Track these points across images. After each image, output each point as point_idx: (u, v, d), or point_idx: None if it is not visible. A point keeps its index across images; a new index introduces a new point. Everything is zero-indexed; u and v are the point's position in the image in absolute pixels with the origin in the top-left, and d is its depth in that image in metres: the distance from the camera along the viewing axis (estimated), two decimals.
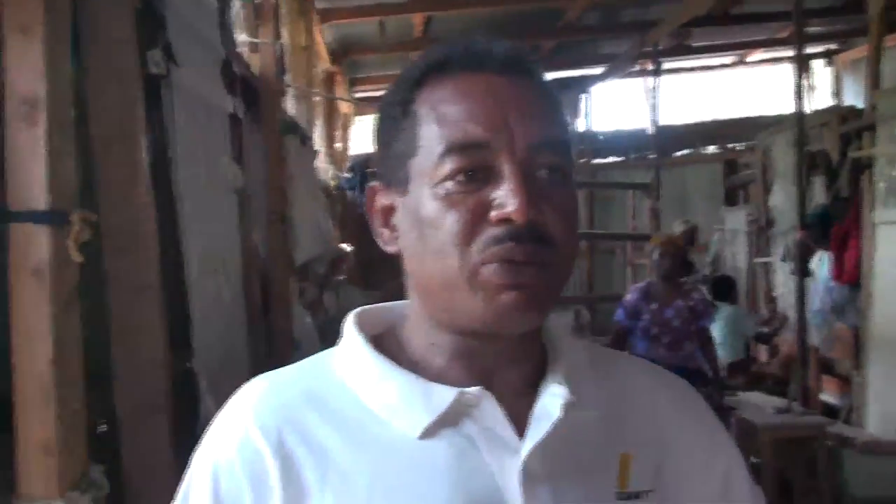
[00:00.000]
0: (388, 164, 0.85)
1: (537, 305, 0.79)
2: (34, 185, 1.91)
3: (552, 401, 0.82)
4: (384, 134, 0.86)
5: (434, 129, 0.80)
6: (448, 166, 0.79)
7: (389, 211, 0.86)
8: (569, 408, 0.81)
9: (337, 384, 0.84)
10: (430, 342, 0.85)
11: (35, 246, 1.92)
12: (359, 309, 0.92)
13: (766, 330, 7.59)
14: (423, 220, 0.80)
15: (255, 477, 0.80)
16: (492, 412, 0.80)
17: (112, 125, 2.34)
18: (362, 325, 0.89)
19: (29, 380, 1.92)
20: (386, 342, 0.88)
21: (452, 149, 0.79)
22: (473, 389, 0.80)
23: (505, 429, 0.80)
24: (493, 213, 0.77)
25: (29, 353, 1.92)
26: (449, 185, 0.79)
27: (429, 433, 0.80)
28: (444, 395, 0.80)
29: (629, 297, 5.12)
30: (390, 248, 0.87)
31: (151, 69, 2.50)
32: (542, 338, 0.90)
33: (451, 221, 0.78)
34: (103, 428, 2.39)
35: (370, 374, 0.84)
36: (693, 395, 0.96)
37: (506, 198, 0.77)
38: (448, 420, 0.80)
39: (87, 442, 2.09)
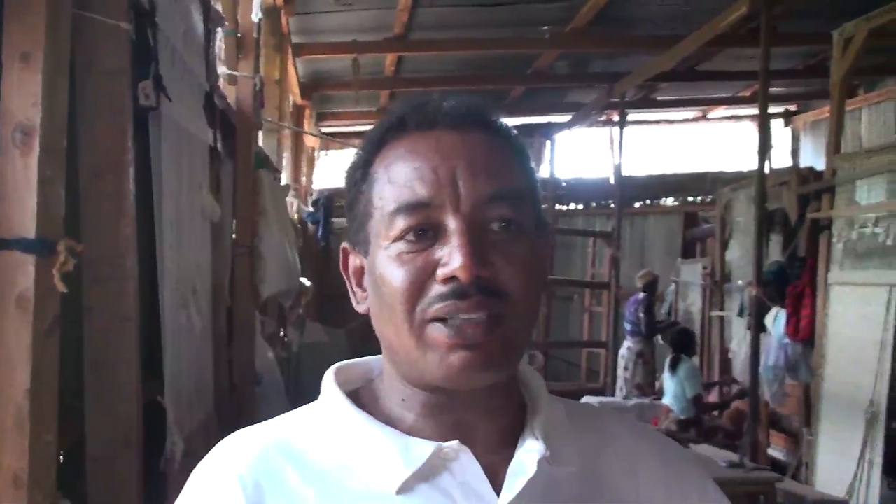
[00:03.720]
0: (353, 226, 0.86)
1: (491, 363, 0.78)
2: (24, 213, 1.89)
3: (528, 456, 0.81)
4: (350, 198, 0.87)
5: (386, 190, 0.81)
6: (398, 226, 0.79)
7: (361, 272, 0.87)
8: (545, 463, 0.81)
9: (316, 439, 0.84)
10: (401, 397, 0.85)
11: (21, 274, 1.89)
12: (337, 364, 0.92)
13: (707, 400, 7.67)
14: (379, 281, 0.81)
15: None
16: (469, 467, 0.80)
17: (101, 156, 2.33)
18: (340, 380, 0.89)
19: (4, 409, 1.89)
20: (363, 397, 0.88)
21: (401, 208, 0.79)
22: (451, 444, 0.80)
23: (482, 484, 0.80)
24: (439, 272, 0.78)
25: (6, 382, 1.89)
26: (400, 244, 0.79)
27: (406, 488, 0.79)
28: (422, 450, 0.80)
29: None
30: (361, 308, 0.88)
31: (142, 101, 2.49)
32: (522, 392, 0.89)
33: (399, 281, 0.79)
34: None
35: (348, 428, 0.84)
36: (678, 452, 0.96)
37: (450, 255, 0.77)
38: (425, 475, 0.80)
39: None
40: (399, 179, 0.81)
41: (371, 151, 0.85)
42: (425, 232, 0.79)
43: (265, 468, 0.82)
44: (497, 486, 0.80)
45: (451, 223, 0.78)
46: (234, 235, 4.63)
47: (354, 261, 0.88)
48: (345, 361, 0.94)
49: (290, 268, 4.85)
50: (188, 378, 3.23)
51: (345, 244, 0.90)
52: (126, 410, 2.39)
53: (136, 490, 2.38)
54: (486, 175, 0.80)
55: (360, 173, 0.85)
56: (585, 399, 7.98)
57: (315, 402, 0.90)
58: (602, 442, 0.90)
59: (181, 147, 3.06)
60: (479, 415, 0.84)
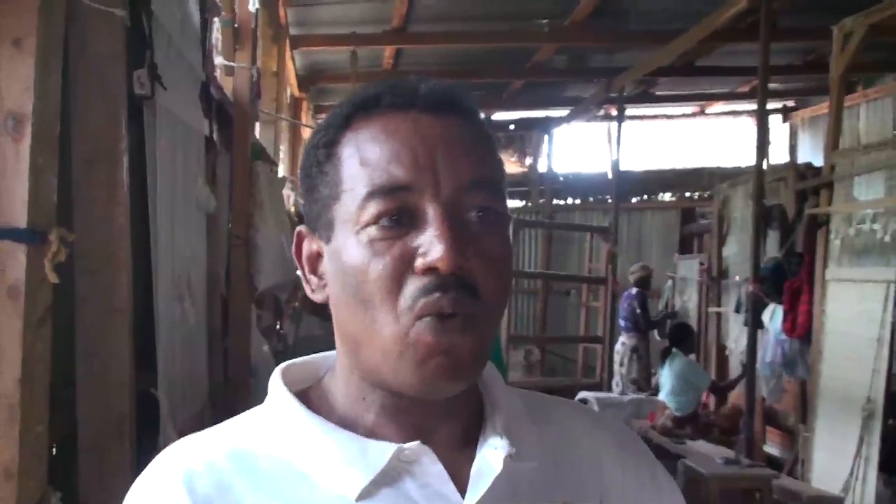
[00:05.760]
0: (313, 209, 0.81)
1: (466, 371, 0.74)
2: (15, 201, 1.88)
3: (492, 454, 0.78)
4: (309, 178, 0.81)
5: (357, 172, 0.76)
6: (371, 210, 0.74)
7: (317, 257, 0.82)
8: (509, 460, 0.78)
9: (266, 445, 0.79)
10: (360, 396, 0.80)
11: (12, 264, 1.88)
12: (284, 364, 0.87)
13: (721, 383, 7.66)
14: (348, 270, 0.75)
15: None
16: (431, 468, 0.77)
17: (95, 144, 2.30)
18: (288, 380, 0.84)
19: None
20: (313, 398, 0.83)
21: (375, 192, 0.74)
22: (412, 445, 0.76)
23: (446, 485, 0.77)
24: (419, 262, 0.73)
25: None
26: (372, 230, 0.74)
27: (367, 494, 0.75)
28: (382, 452, 0.76)
29: None
30: (318, 297, 0.82)
31: (136, 90, 2.47)
32: (478, 385, 0.85)
33: (375, 271, 0.73)
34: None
35: (301, 433, 0.79)
36: (632, 437, 0.94)
37: (430, 244, 0.73)
38: (387, 479, 0.76)
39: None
40: (373, 161, 0.75)
41: (338, 130, 0.79)
42: (400, 217, 0.74)
43: (213, 480, 0.76)
44: (461, 486, 0.77)
45: (431, 209, 0.74)
46: (229, 227, 4.60)
47: (310, 246, 0.82)
48: (291, 360, 0.89)
49: (286, 260, 4.82)
50: (182, 370, 3.21)
51: (301, 228, 0.84)
52: (118, 402, 2.37)
53: (128, 483, 2.36)
54: (466, 162, 0.76)
55: (324, 153, 0.79)
56: (581, 395, 7.99)
57: (262, 406, 0.84)
58: (561, 433, 0.88)
59: (176, 137, 3.04)
60: (440, 414, 0.80)
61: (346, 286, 0.76)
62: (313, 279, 0.83)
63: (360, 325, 0.76)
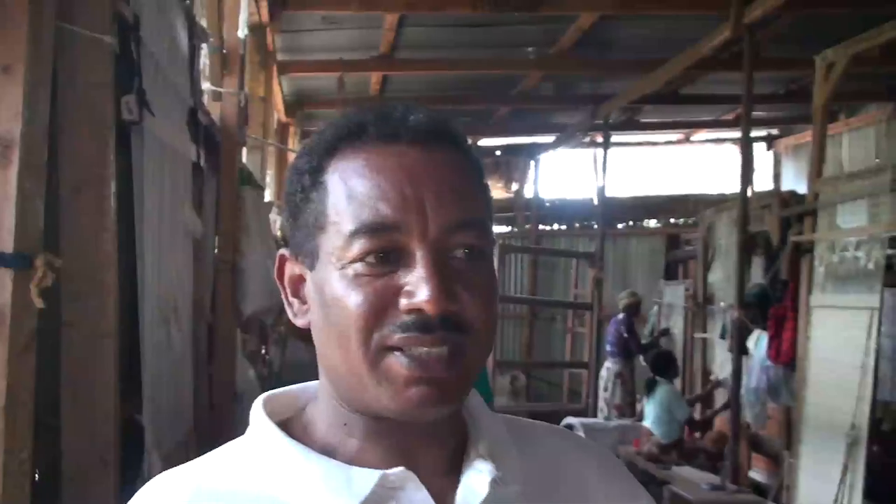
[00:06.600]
0: (297, 235, 0.80)
1: (448, 398, 0.75)
2: (2, 227, 1.87)
3: (477, 478, 0.78)
4: (293, 204, 0.80)
5: (344, 206, 0.75)
6: (357, 248, 0.74)
7: (299, 281, 0.82)
8: (495, 484, 0.77)
9: (249, 478, 0.78)
10: (342, 422, 0.80)
11: None
12: (265, 394, 0.86)
13: (697, 416, 7.65)
14: (328, 301, 0.75)
15: None
16: (416, 495, 0.76)
17: (83, 169, 2.30)
18: (269, 410, 0.83)
19: None
20: (295, 427, 0.83)
21: (362, 230, 0.74)
22: (396, 471, 0.76)
23: None
24: (404, 302, 0.73)
25: None
26: (358, 266, 0.74)
27: None
28: (366, 480, 0.75)
29: None
30: (301, 322, 0.82)
31: (124, 116, 2.47)
32: (462, 410, 0.85)
33: (356, 304, 0.73)
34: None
35: (284, 463, 0.78)
36: (616, 463, 0.94)
37: (416, 285, 0.72)
38: None
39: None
40: (360, 196, 0.75)
41: (322, 157, 0.79)
42: (386, 255, 0.74)
43: None
44: None
45: (418, 250, 0.73)
46: (216, 251, 4.59)
47: (293, 269, 0.82)
48: (272, 391, 0.88)
49: (272, 285, 4.80)
50: (167, 396, 3.19)
51: (283, 251, 0.84)
52: (103, 429, 2.35)
53: None
54: (454, 201, 0.75)
55: (310, 179, 0.78)
56: (567, 420, 7.98)
57: (243, 437, 0.84)
58: (546, 458, 0.88)
59: (164, 162, 3.04)
60: (424, 438, 0.80)
61: (328, 315, 0.76)
62: (296, 303, 0.83)
63: (338, 354, 0.76)
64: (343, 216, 0.75)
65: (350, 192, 0.75)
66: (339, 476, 0.76)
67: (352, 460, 0.78)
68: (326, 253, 0.76)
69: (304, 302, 0.82)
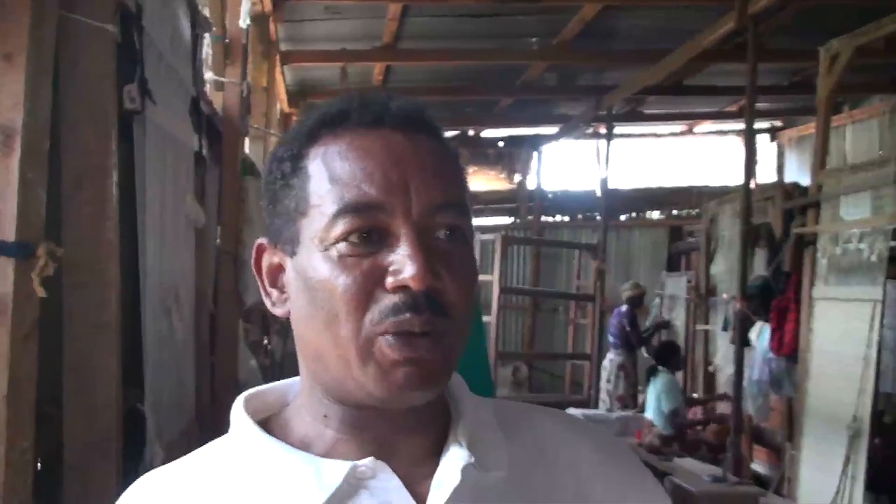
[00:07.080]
0: (276, 222, 0.80)
1: (433, 381, 0.75)
2: (4, 216, 1.87)
3: (452, 464, 0.78)
4: (272, 191, 0.81)
5: (327, 188, 0.76)
6: (341, 227, 0.74)
7: (278, 270, 0.82)
8: (471, 471, 0.77)
9: (228, 477, 0.79)
10: (322, 414, 0.80)
11: (0, 278, 1.87)
12: (247, 392, 0.87)
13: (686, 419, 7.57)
14: (314, 284, 0.75)
15: None
16: (389, 483, 0.77)
17: (85, 159, 2.30)
18: (251, 409, 0.84)
19: None
20: (274, 425, 0.83)
21: (346, 209, 0.74)
22: (366, 461, 0.77)
23: (404, 499, 0.76)
24: (390, 280, 0.73)
25: None
26: (342, 246, 0.74)
27: None
28: (336, 471, 0.76)
29: None
30: (279, 311, 0.82)
31: (126, 105, 2.47)
32: (447, 399, 0.85)
33: (343, 286, 0.74)
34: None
35: (261, 460, 0.79)
36: (615, 443, 0.93)
37: (402, 263, 0.73)
38: (342, 497, 0.75)
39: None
40: (344, 178, 0.75)
41: (303, 143, 0.79)
42: (370, 235, 0.74)
43: None
44: (422, 500, 0.77)
45: (402, 229, 0.74)
46: (218, 242, 4.59)
47: (271, 258, 0.82)
48: (255, 388, 0.88)
49: None
50: (169, 386, 3.19)
51: (262, 240, 0.83)
52: (105, 418, 2.36)
53: (113, 499, 2.34)
54: (437, 184, 0.77)
55: (290, 166, 0.79)
56: (569, 411, 8.00)
57: (225, 436, 0.84)
58: (535, 442, 0.86)
59: (166, 152, 3.04)
60: (403, 428, 0.80)
61: (313, 300, 0.76)
62: (274, 292, 0.83)
63: (324, 339, 0.76)
64: (326, 198, 0.76)
65: (333, 174, 0.76)
66: (310, 469, 0.77)
67: (328, 453, 0.79)
68: (308, 237, 0.77)
69: (282, 291, 0.82)
